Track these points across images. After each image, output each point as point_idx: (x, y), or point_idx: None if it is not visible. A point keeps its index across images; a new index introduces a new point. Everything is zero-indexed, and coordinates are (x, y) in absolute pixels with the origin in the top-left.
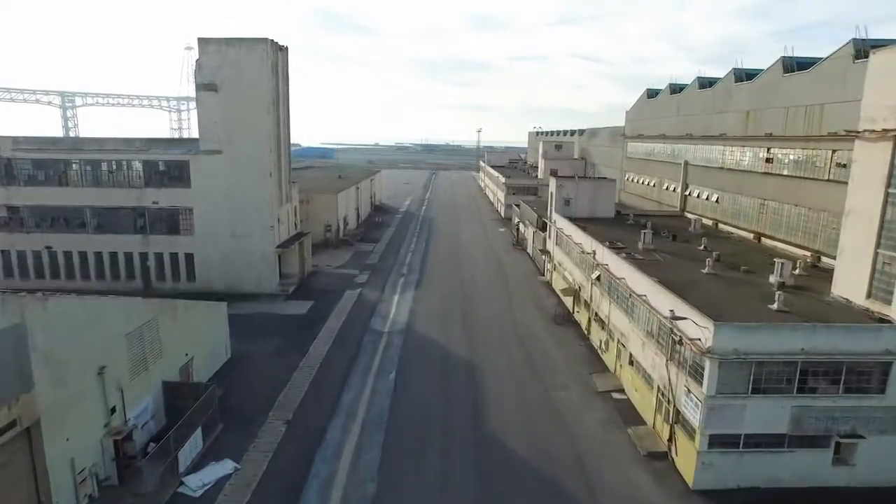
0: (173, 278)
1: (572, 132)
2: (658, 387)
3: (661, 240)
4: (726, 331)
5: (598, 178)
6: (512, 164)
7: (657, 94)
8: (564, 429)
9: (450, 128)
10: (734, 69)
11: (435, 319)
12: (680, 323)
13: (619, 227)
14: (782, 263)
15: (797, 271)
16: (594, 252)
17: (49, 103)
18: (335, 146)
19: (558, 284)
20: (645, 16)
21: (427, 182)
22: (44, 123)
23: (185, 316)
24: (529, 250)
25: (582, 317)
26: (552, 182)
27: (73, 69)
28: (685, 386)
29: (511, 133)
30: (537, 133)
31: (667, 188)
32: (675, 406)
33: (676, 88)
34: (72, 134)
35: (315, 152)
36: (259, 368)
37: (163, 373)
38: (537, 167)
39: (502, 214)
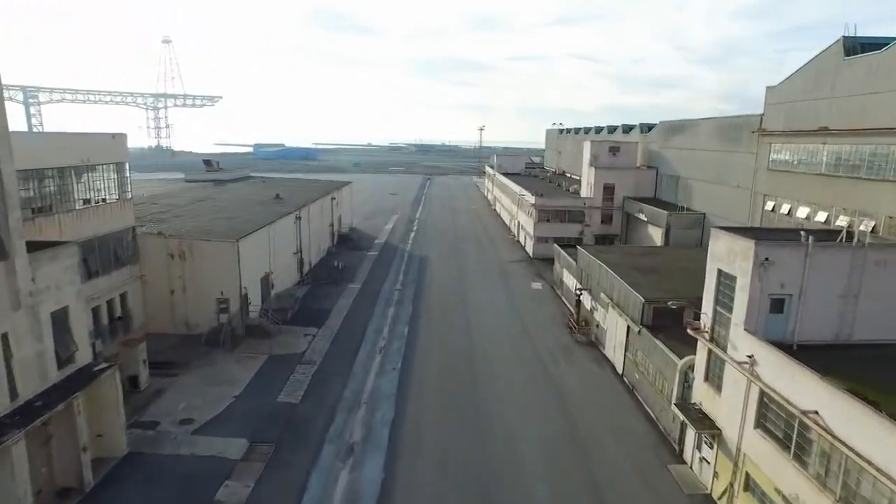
0: None
1: (626, 128)
2: None
3: None
4: None
5: (865, 235)
6: (529, 171)
7: (883, 46)
8: None
9: (446, 127)
10: None
11: None
12: None
13: None
14: None
15: None
16: None
17: (9, 99)
18: (327, 146)
19: None
20: (643, 16)
21: (419, 192)
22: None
23: None
24: (615, 360)
25: None
26: (731, 246)
27: (41, 63)
28: None
29: (509, 133)
30: (560, 131)
31: None
32: None
33: None
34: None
35: (298, 153)
36: None
37: None
38: (563, 174)
39: (530, 253)
